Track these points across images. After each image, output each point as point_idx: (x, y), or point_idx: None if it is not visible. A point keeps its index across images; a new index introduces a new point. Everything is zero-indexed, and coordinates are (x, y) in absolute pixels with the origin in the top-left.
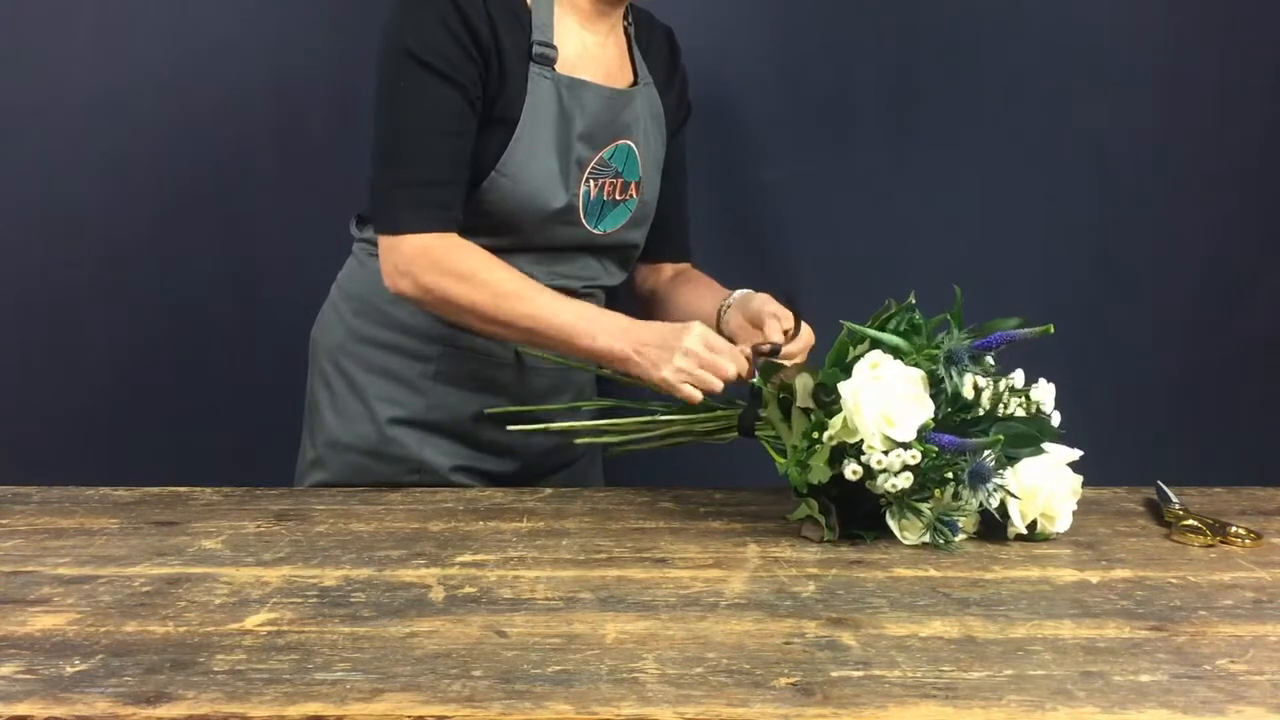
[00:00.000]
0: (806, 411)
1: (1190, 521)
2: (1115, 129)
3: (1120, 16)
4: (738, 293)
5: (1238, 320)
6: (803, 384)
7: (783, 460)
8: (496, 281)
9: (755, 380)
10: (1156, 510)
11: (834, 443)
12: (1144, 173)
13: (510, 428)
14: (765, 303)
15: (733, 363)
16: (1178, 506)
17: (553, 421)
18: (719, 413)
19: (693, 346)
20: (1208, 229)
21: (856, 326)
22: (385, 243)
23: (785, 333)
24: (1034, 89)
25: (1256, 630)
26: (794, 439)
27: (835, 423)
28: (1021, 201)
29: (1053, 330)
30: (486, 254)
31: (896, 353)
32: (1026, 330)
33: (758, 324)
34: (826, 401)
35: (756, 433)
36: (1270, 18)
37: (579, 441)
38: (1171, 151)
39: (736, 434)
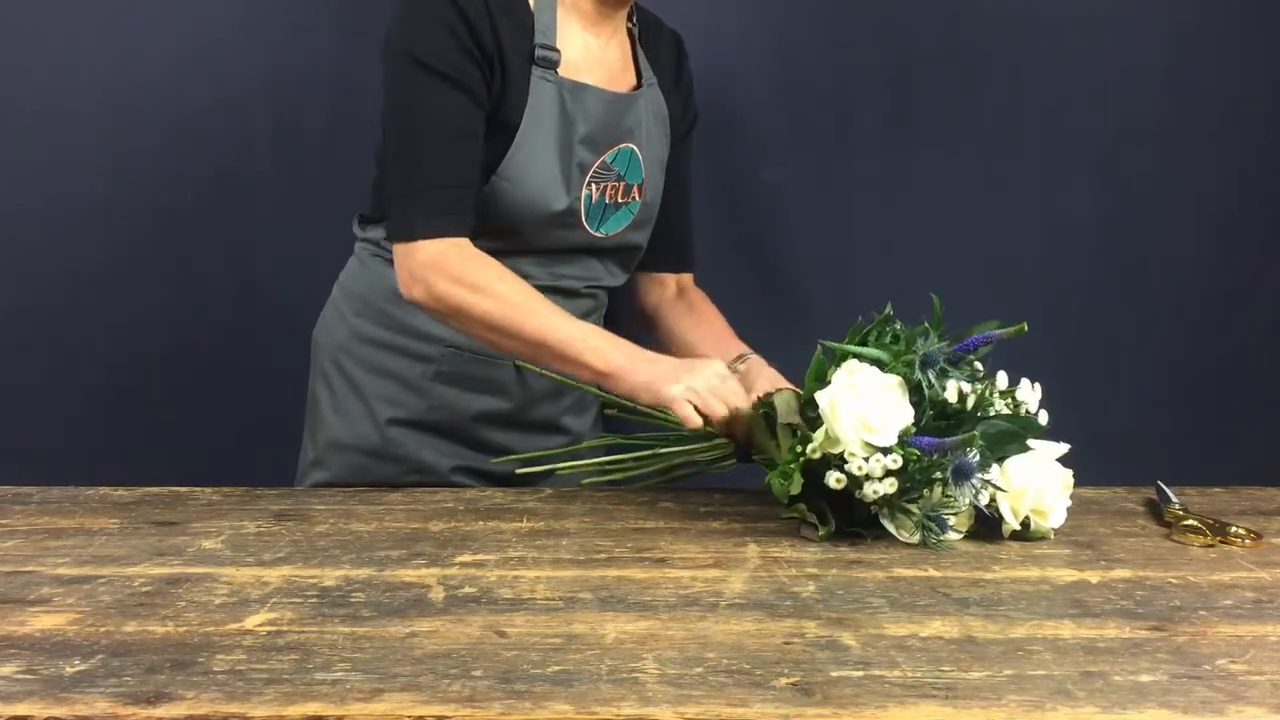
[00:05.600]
0: (792, 428)
1: (1190, 521)
2: (1116, 129)
3: (1121, 16)
4: (745, 363)
5: (1238, 320)
6: (783, 401)
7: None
8: (509, 294)
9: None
10: (1156, 510)
11: (817, 455)
12: (1144, 173)
13: (519, 470)
14: (760, 379)
15: (740, 399)
16: (1178, 506)
17: (556, 460)
18: (717, 441)
19: (706, 376)
20: (1208, 229)
21: (834, 344)
22: (400, 249)
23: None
24: (1034, 89)
25: (1256, 630)
26: (783, 454)
27: (818, 435)
28: (1021, 201)
29: (1026, 329)
30: (500, 266)
31: (877, 365)
32: (1002, 331)
33: None
34: (811, 418)
35: (754, 457)
36: (1270, 17)
37: (584, 483)
38: (1171, 151)
39: (735, 460)
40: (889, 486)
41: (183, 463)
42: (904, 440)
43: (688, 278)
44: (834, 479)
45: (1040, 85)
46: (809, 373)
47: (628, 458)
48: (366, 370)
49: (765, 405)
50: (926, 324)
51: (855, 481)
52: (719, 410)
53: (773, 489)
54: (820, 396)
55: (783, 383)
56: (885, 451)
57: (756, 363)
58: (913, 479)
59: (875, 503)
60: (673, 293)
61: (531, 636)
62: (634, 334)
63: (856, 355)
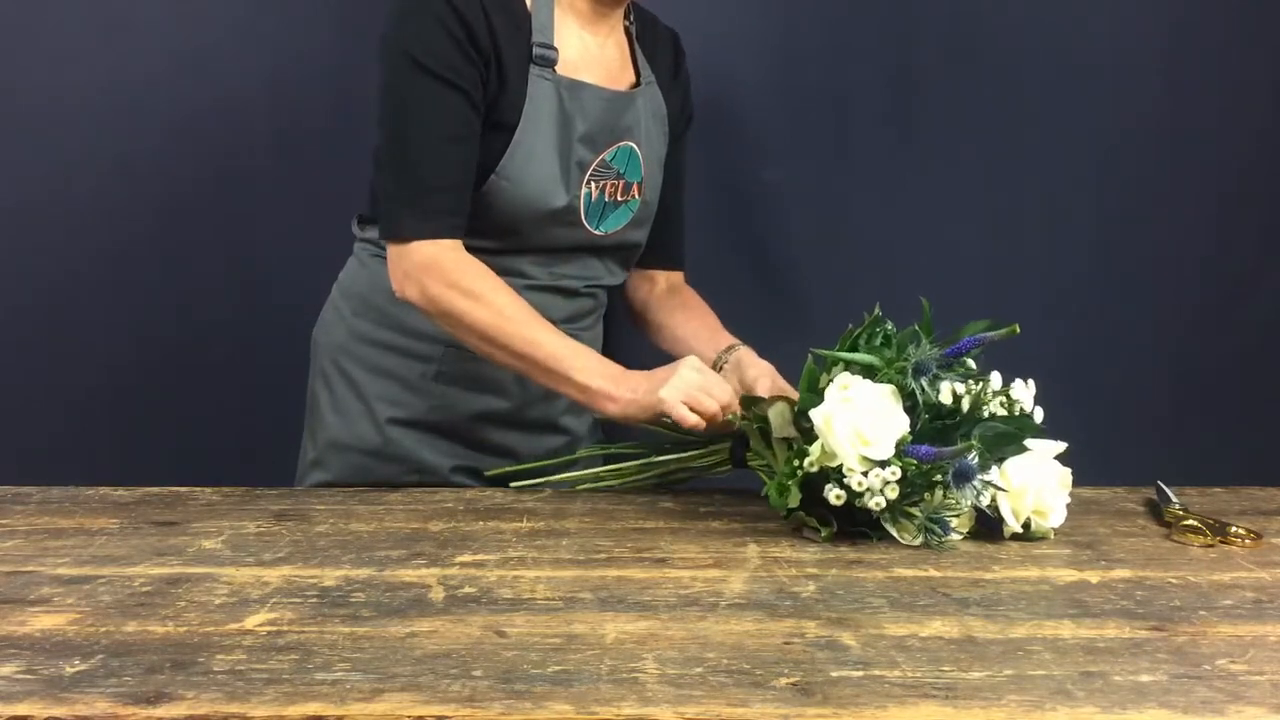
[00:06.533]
0: (788, 441)
1: (1190, 521)
2: (1115, 129)
3: (1120, 16)
4: (735, 353)
5: (1237, 320)
6: (777, 414)
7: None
8: (503, 304)
9: (731, 415)
10: (1156, 510)
11: (815, 468)
12: (1144, 173)
13: (513, 484)
14: (761, 377)
15: (724, 392)
16: (1178, 506)
17: (551, 471)
18: (713, 447)
19: (687, 375)
20: (1208, 229)
21: (825, 352)
22: (393, 250)
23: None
24: (1034, 89)
25: (1256, 630)
26: (780, 466)
27: (815, 449)
28: (1022, 201)
29: (1018, 330)
30: (493, 275)
31: (869, 370)
32: (993, 333)
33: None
34: (807, 429)
35: (750, 463)
36: (1271, 17)
37: (580, 488)
38: (1171, 152)
39: (731, 466)
40: (890, 493)
41: (183, 463)
42: (901, 450)
43: (678, 276)
44: (834, 495)
45: (1040, 85)
46: (801, 383)
47: (623, 466)
48: (366, 370)
49: (759, 419)
50: (916, 327)
51: (854, 494)
52: (711, 406)
53: (771, 500)
54: (815, 414)
55: (775, 373)
56: (883, 464)
57: (746, 353)
58: (913, 484)
59: (876, 512)
60: (662, 289)
61: (531, 636)
62: (629, 332)
63: (847, 362)
